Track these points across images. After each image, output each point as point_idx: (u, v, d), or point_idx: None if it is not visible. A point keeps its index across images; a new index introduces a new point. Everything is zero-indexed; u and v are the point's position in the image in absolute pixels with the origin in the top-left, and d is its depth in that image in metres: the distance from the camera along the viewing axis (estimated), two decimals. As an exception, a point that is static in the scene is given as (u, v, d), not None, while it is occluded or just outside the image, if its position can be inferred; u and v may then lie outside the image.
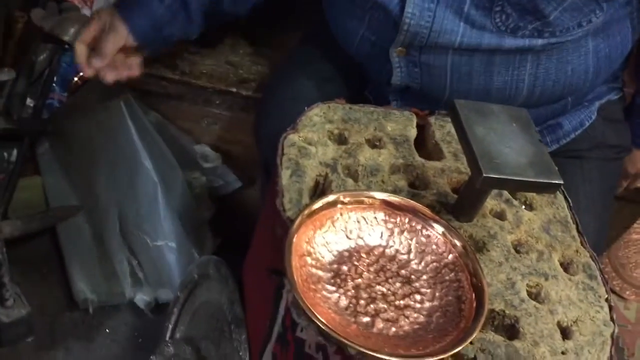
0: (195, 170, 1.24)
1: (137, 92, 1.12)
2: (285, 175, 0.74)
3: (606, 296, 0.74)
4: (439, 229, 0.71)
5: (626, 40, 0.92)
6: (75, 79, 1.38)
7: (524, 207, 0.81)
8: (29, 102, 1.29)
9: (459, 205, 0.75)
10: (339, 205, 0.69)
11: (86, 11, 1.39)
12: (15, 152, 1.21)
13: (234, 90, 1.12)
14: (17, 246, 1.11)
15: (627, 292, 1.59)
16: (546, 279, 0.73)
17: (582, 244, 0.79)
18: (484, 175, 0.64)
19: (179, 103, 1.15)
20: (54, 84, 1.37)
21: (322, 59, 1.04)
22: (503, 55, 0.83)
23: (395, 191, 0.77)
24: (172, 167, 1.13)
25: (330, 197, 0.68)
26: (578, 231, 0.80)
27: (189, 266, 1.08)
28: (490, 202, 0.79)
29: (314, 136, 0.80)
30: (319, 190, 0.77)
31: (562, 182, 0.68)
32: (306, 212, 0.64)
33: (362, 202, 0.70)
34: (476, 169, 0.66)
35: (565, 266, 0.77)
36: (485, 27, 0.80)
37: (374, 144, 0.83)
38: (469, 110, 0.71)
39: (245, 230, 0.93)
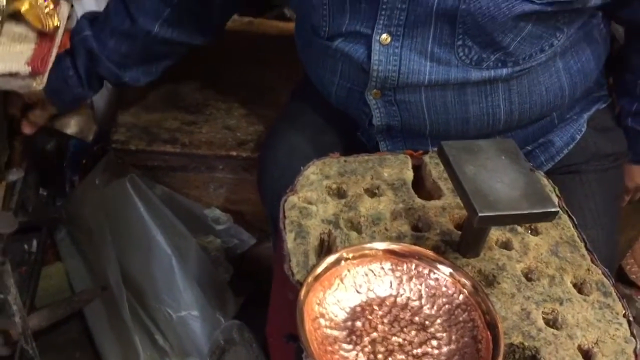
0: (209, 234, 1.27)
1: (141, 169, 1.15)
2: (289, 239, 0.76)
3: (624, 312, 0.74)
4: (445, 270, 0.72)
5: (597, 52, 0.93)
6: (85, 160, 1.42)
7: (529, 232, 0.82)
8: (42, 191, 1.34)
9: (463, 243, 0.76)
10: (344, 262, 0.70)
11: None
12: (35, 242, 1.25)
13: (235, 153, 1.15)
14: (47, 334, 1.13)
15: (658, 289, 1.56)
16: (561, 304, 0.73)
17: (592, 262, 0.79)
18: (480, 215, 0.65)
19: (183, 174, 1.18)
20: (65, 170, 1.42)
21: (313, 111, 1.06)
22: (473, 87, 0.85)
23: (400, 237, 0.79)
24: (184, 236, 1.15)
25: (333, 257, 0.69)
26: (587, 249, 0.81)
27: (214, 332, 1.09)
28: (495, 233, 0.80)
29: (313, 195, 0.82)
30: (325, 248, 0.78)
31: (557, 209, 0.68)
32: (310, 277, 0.66)
33: (366, 255, 0.72)
34: (471, 209, 0.67)
35: (579, 287, 0.77)
36: (451, 62, 0.83)
37: (373, 192, 0.85)
38: (457, 150, 0.72)
39: (265, 284, 0.94)
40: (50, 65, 0.61)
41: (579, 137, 0.98)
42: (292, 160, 0.99)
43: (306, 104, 1.08)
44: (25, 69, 0.61)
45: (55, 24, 0.64)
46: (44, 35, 0.65)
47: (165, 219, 1.14)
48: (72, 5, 0.90)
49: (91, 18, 0.99)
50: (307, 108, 1.07)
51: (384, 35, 0.83)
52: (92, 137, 1.14)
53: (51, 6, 0.63)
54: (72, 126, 1.05)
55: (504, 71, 0.84)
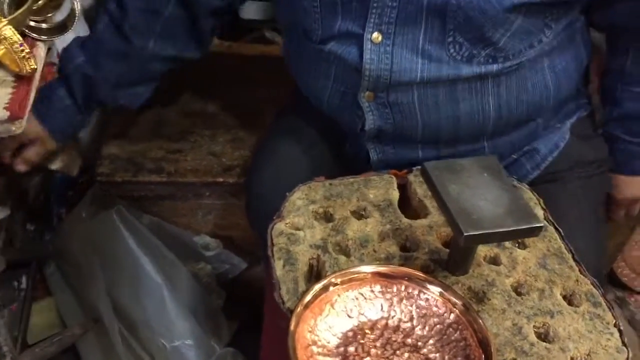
0: (199, 260, 1.26)
1: (128, 200, 1.15)
2: (278, 267, 0.76)
3: (614, 321, 0.74)
4: (435, 290, 0.72)
5: (579, 56, 0.95)
6: (71, 193, 1.42)
7: (517, 246, 0.82)
8: (29, 226, 1.33)
9: (451, 261, 0.77)
10: (332, 288, 0.70)
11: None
12: (24, 278, 1.24)
13: (221, 179, 1.15)
14: (40, 371, 1.12)
15: (651, 290, 1.57)
16: (552, 317, 0.74)
17: (580, 272, 0.80)
18: (465, 234, 0.66)
19: (171, 202, 1.18)
20: (51, 204, 1.41)
21: (298, 131, 1.07)
22: (464, 83, 0.86)
23: (388, 258, 0.79)
24: (174, 265, 1.15)
25: (321, 284, 0.69)
26: (574, 260, 0.81)
27: (209, 360, 1.09)
28: (483, 249, 0.81)
29: (300, 220, 0.82)
30: (314, 273, 0.78)
31: (542, 224, 0.69)
32: (300, 306, 0.66)
33: (354, 279, 0.72)
34: (456, 229, 0.67)
35: (569, 299, 0.77)
36: (442, 59, 0.84)
37: (360, 214, 0.85)
38: (439, 171, 0.73)
39: (259, 308, 0.94)
40: (28, 108, 0.61)
41: (562, 144, 0.99)
42: (279, 182, 0.98)
43: (290, 124, 1.09)
44: (4, 114, 0.60)
45: (32, 67, 0.64)
46: (22, 79, 0.65)
47: (154, 249, 1.13)
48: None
49: (80, 43, 0.99)
50: (292, 128, 1.08)
51: (375, 34, 0.84)
52: (77, 171, 1.13)
53: (27, 49, 0.63)
54: (57, 162, 1.04)
55: (495, 67, 0.85)
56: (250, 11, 1.71)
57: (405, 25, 0.83)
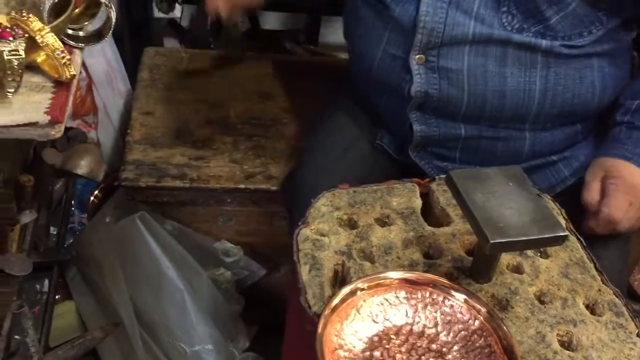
0: (219, 266, 1.28)
1: (151, 205, 1.17)
2: (304, 272, 0.77)
3: (637, 331, 0.75)
4: (460, 297, 0.73)
5: (626, 66, 0.98)
6: (92, 198, 1.44)
7: (539, 255, 0.83)
8: (52, 230, 1.35)
9: (475, 269, 0.78)
10: (359, 293, 0.71)
11: (92, 135, 1.46)
12: (46, 282, 1.26)
13: (242, 186, 1.16)
14: (62, 374, 1.13)
15: (670, 302, 1.57)
16: (575, 325, 0.74)
17: (603, 282, 0.80)
18: (491, 242, 0.67)
19: (193, 208, 1.19)
20: (72, 209, 1.43)
21: (339, 130, 1.10)
22: (514, 51, 0.88)
23: (412, 265, 0.80)
24: (195, 271, 1.16)
25: (348, 288, 0.70)
26: (596, 269, 0.82)
27: (229, 365, 1.10)
28: (506, 258, 0.81)
29: (325, 226, 0.83)
30: (339, 278, 0.79)
31: (566, 233, 0.70)
32: (327, 309, 0.67)
33: (380, 285, 0.73)
34: (482, 236, 0.68)
35: (591, 308, 0.78)
36: (494, 25, 0.87)
37: (384, 221, 0.86)
38: (465, 179, 0.74)
39: (277, 314, 0.95)
40: (67, 113, 0.63)
41: None
42: (321, 181, 1.00)
43: (333, 124, 1.12)
44: (44, 119, 0.62)
45: (71, 73, 0.66)
46: (61, 85, 0.67)
47: (176, 254, 1.15)
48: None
49: None
50: (334, 128, 1.11)
51: None
52: (102, 176, 1.15)
53: (68, 56, 0.65)
54: (82, 167, 1.07)
55: (543, 42, 0.87)
56: (270, 21, 1.74)
57: None
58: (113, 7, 0.72)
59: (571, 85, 0.92)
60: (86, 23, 0.75)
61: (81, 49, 0.74)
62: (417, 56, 0.91)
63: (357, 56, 1.03)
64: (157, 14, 1.43)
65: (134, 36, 1.52)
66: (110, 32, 0.73)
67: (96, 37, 0.75)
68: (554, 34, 0.87)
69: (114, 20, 0.72)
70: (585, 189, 0.95)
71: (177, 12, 1.43)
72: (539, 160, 1.01)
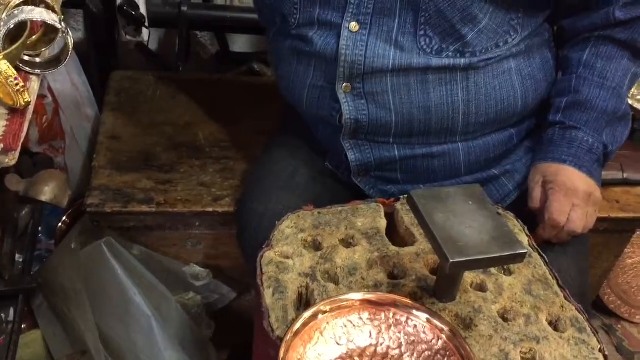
0: (189, 290, 1.26)
1: (117, 231, 1.15)
2: (267, 295, 0.77)
3: (599, 346, 0.75)
4: (423, 316, 0.73)
5: (548, 65, 1.00)
6: (60, 224, 1.42)
7: (502, 273, 0.84)
8: (18, 257, 1.32)
9: (439, 288, 0.78)
10: (322, 316, 0.71)
11: (60, 160, 1.44)
12: (12, 311, 1.23)
13: (211, 209, 1.15)
14: (27, 406, 1.11)
15: (637, 317, 1.59)
16: (538, 342, 0.75)
17: (565, 298, 0.81)
18: (451, 261, 0.67)
19: (160, 232, 1.18)
20: (39, 235, 1.41)
21: (284, 158, 1.10)
22: (434, 74, 0.91)
23: (376, 285, 0.80)
24: (164, 296, 1.15)
25: (310, 312, 0.70)
26: (559, 286, 0.83)
27: (198, 391, 1.08)
28: (470, 276, 0.82)
29: (289, 249, 0.83)
30: (303, 301, 0.79)
31: (526, 251, 0.71)
32: (289, 334, 0.67)
33: (343, 307, 0.73)
34: (442, 256, 0.68)
35: (554, 324, 0.79)
36: (413, 50, 0.90)
37: (348, 242, 0.86)
38: (426, 199, 0.74)
39: (248, 337, 0.94)
40: (22, 140, 0.62)
41: None
42: (269, 209, 1.01)
43: (277, 154, 1.12)
44: (-3, 147, 0.62)
45: (26, 100, 0.66)
46: (15, 112, 0.66)
47: (143, 280, 1.13)
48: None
49: None
50: (279, 156, 1.11)
51: (353, 24, 0.90)
52: (67, 202, 1.14)
53: (22, 83, 0.65)
54: (46, 193, 1.05)
55: (462, 61, 0.90)
56: (239, 43, 1.75)
57: (381, 16, 0.89)
58: (70, 34, 0.72)
59: (492, 93, 0.94)
60: (44, 49, 0.75)
61: (38, 75, 0.73)
62: (344, 85, 0.93)
63: (286, 91, 1.04)
64: (125, 37, 1.42)
65: (101, 60, 1.51)
66: (68, 57, 0.72)
67: (54, 63, 0.74)
68: (472, 50, 0.90)
69: (71, 46, 0.72)
70: (529, 196, 0.96)
71: (145, 35, 1.42)
72: (480, 174, 1.02)
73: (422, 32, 0.89)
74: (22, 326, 1.25)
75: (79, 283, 1.13)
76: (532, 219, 0.95)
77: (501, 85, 0.94)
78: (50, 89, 1.37)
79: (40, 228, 1.40)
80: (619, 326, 1.58)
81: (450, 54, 0.90)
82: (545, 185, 0.94)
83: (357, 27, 0.90)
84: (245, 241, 1.06)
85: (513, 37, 0.92)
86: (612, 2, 0.92)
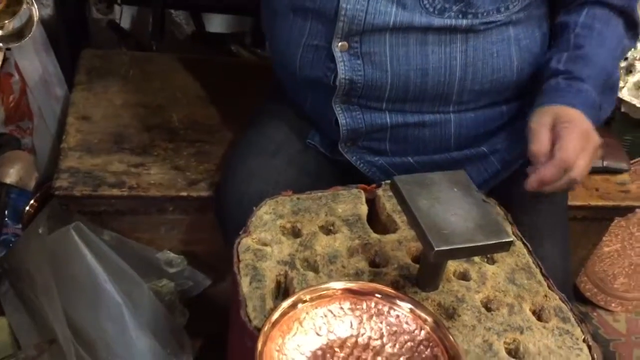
0: (162, 277, 1.22)
1: (87, 215, 1.11)
2: (244, 283, 0.74)
3: (583, 337, 0.74)
4: (405, 306, 0.71)
5: (545, 39, 0.99)
6: (27, 208, 1.37)
7: (486, 261, 0.82)
8: (-17, 243, 1.27)
9: (421, 277, 0.76)
10: (301, 305, 0.68)
11: (27, 141, 1.39)
12: (-24, 297, 1.18)
13: (185, 194, 1.11)
14: (-9, 396, 1.07)
15: (613, 304, 1.60)
16: (521, 333, 0.73)
17: (549, 287, 0.80)
18: (436, 249, 0.65)
19: (132, 217, 1.14)
20: (6, 219, 1.35)
21: (268, 134, 1.07)
22: (434, 34, 0.89)
23: (357, 274, 0.77)
24: (135, 283, 1.11)
25: (289, 301, 0.67)
26: (542, 274, 0.81)
27: (172, 381, 1.05)
28: (453, 264, 0.80)
29: (267, 236, 0.80)
30: (282, 290, 0.76)
31: (512, 239, 0.69)
32: (267, 325, 0.64)
33: (323, 296, 0.70)
34: (427, 244, 0.66)
35: (538, 314, 0.77)
36: (415, 9, 0.87)
37: (328, 229, 0.83)
38: (410, 185, 0.72)
39: (223, 325, 0.91)
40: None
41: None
42: (250, 186, 0.99)
43: (259, 132, 1.09)
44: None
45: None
46: (-24, 87, 0.62)
47: (114, 266, 1.09)
48: (6, 50, 0.87)
49: None
50: (261, 134, 1.08)
51: None
52: (34, 185, 1.09)
53: (-19, 58, 0.61)
54: (11, 175, 1.01)
55: (464, 22, 0.89)
56: (215, 24, 1.70)
57: None
58: (35, 5, 0.67)
59: (489, 60, 0.93)
60: (6, 21, 0.70)
61: (1, 48, 0.69)
62: (340, 44, 0.91)
63: (280, 53, 1.01)
64: (96, 14, 1.37)
65: (70, 37, 1.45)
66: (32, 31, 0.68)
67: (17, 36, 0.70)
68: (474, 12, 0.89)
69: (36, 18, 0.67)
70: (533, 139, 0.85)
71: (117, 13, 1.37)
72: (469, 150, 1.00)
73: None
74: (-12, 313, 1.21)
75: (46, 269, 1.09)
76: (520, 200, 0.93)
77: (499, 53, 0.93)
78: (17, 67, 1.32)
79: (6, 212, 1.35)
80: (595, 314, 1.59)
81: (453, 14, 0.88)
82: (557, 125, 0.84)
83: None
84: (225, 221, 1.03)
85: (514, 4, 0.91)
86: None
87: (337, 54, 0.91)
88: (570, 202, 1.14)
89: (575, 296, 1.59)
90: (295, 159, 1.03)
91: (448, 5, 0.87)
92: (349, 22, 0.88)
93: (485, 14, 0.90)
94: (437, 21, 0.88)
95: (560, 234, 1.01)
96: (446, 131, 0.97)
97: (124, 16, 1.47)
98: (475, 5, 0.88)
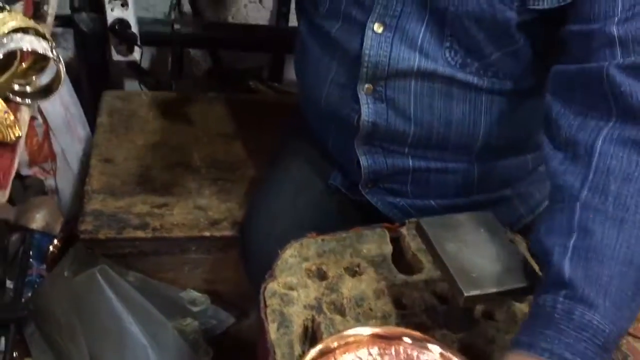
0: (186, 316, 1.22)
1: (112, 257, 1.12)
2: (272, 330, 0.73)
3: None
4: (435, 349, 0.70)
5: None
6: (51, 249, 1.38)
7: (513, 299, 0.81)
8: (9, 284, 1.28)
9: (450, 319, 0.75)
10: (329, 352, 0.68)
11: (50, 182, 1.41)
12: (3, 340, 1.19)
13: (208, 234, 1.12)
14: None
15: None
16: (554, 374, 0.72)
17: (580, 326, 0.78)
18: (466, 295, 0.64)
19: (156, 258, 1.15)
20: (30, 260, 1.37)
21: (290, 176, 1.08)
22: (460, 88, 0.88)
23: (384, 316, 0.77)
24: (160, 323, 1.11)
25: (317, 348, 0.67)
26: (573, 313, 0.80)
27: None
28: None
29: (293, 279, 0.80)
30: (309, 334, 0.76)
31: (541, 281, 0.68)
32: (298, 376, 0.63)
33: (351, 342, 0.70)
34: (456, 289, 0.66)
35: (570, 354, 0.76)
36: (438, 60, 0.86)
37: (354, 271, 0.83)
38: (436, 227, 0.72)
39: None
40: (12, 177, 0.59)
41: None
42: (274, 227, 0.99)
43: (282, 171, 1.09)
44: (-13, 184, 0.59)
45: (16, 135, 0.63)
46: (4, 146, 0.63)
47: (139, 307, 1.09)
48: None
49: None
50: (284, 173, 1.09)
51: (377, 24, 0.86)
52: (59, 229, 1.10)
53: (11, 117, 0.62)
54: (37, 221, 1.02)
55: (486, 80, 0.87)
56: (233, 60, 1.72)
57: (408, 21, 0.85)
58: (62, 62, 0.69)
59: (516, 118, 0.91)
60: (34, 78, 0.71)
61: (28, 105, 0.70)
62: (366, 86, 0.90)
63: (308, 86, 1.02)
64: (116, 56, 1.39)
65: (92, 80, 1.48)
66: (60, 86, 0.69)
67: (45, 92, 0.71)
68: (495, 70, 0.87)
69: (63, 75, 0.69)
70: None
71: (136, 54, 1.39)
72: (493, 194, 0.99)
73: (447, 44, 0.85)
74: (14, 355, 1.21)
75: (72, 312, 1.09)
76: None
77: (526, 112, 0.91)
78: (40, 110, 1.34)
79: (31, 252, 1.37)
80: (624, 341, 1.56)
81: (474, 69, 0.87)
82: None
83: (382, 29, 0.86)
84: (250, 262, 1.04)
85: (534, 69, 0.87)
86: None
87: (362, 96, 0.91)
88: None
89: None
90: (318, 199, 1.03)
91: (469, 61, 0.86)
92: (373, 67, 0.88)
93: (507, 75, 0.87)
94: (460, 75, 0.86)
95: None
96: (469, 178, 0.96)
97: (144, 56, 1.49)
98: (495, 66, 0.86)
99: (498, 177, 0.98)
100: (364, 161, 0.97)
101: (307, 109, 1.07)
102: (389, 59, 0.87)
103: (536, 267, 0.85)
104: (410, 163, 0.95)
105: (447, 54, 0.86)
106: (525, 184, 1.01)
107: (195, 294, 1.22)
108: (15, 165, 0.61)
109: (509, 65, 0.87)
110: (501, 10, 0.80)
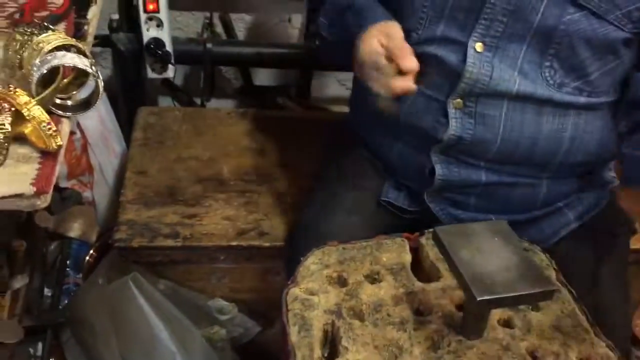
0: (214, 324, 1.26)
1: (143, 265, 1.16)
2: (293, 333, 0.76)
3: (632, 385, 0.73)
4: None
5: None
6: (87, 258, 1.44)
7: (530, 308, 0.83)
8: (47, 292, 1.34)
9: (465, 325, 0.77)
10: None
11: (88, 194, 1.47)
12: (40, 345, 1.24)
13: (235, 243, 1.16)
14: None
15: (671, 349, 1.54)
16: (569, 382, 0.73)
17: (595, 335, 0.79)
18: (478, 299, 0.67)
19: (186, 266, 1.19)
20: (67, 269, 1.43)
21: (339, 194, 1.08)
22: (551, 108, 0.90)
23: (402, 322, 0.79)
24: (189, 331, 1.15)
25: None
26: (589, 322, 0.81)
27: None
28: (497, 312, 0.81)
29: (314, 285, 0.83)
30: (329, 338, 0.79)
31: (555, 288, 0.70)
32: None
33: None
34: (470, 294, 0.68)
35: (585, 362, 0.77)
36: (536, 80, 0.88)
37: (373, 278, 0.86)
38: (451, 236, 0.74)
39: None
40: (53, 183, 0.64)
41: (604, 202, 1.02)
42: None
43: (329, 195, 1.09)
44: (30, 190, 0.63)
45: (58, 144, 0.68)
46: (47, 155, 0.68)
47: (169, 315, 1.14)
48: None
49: None
50: (334, 192, 1.09)
51: (479, 44, 0.88)
52: (95, 237, 1.15)
53: (54, 127, 0.67)
54: (75, 229, 1.07)
55: (581, 99, 0.89)
56: (262, 77, 1.78)
57: (509, 41, 0.87)
58: (101, 77, 0.74)
59: (597, 133, 0.94)
60: (74, 92, 0.77)
61: (69, 118, 0.75)
62: (456, 101, 0.91)
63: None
64: (151, 74, 1.45)
65: (128, 96, 1.55)
66: (98, 101, 0.74)
67: (84, 105, 0.76)
68: (591, 90, 0.89)
69: (101, 90, 0.74)
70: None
71: (170, 72, 1.46)
72: (550, 207, 1.01)
73: (547, 64, 0.87)
74: (51, 359, 1.26)
75: (105, 319, 1.14)
76: (593, 250, 0.95)
77: (606, 126, 0.94)
78: (79, 125, 1.41)
79: (68, 262, 1.43)
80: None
81: (570, 89, 0.89)
82: None
83: (482, 48, 0.88)
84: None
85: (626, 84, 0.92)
86: None
87: (451, 110, 0.92)
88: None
89: (632, 341, 1.55)
90: (368, 222, 1.03)
91: (567, 81, 0.88)
92: (472, 84, 0.89)
93: (602, 93, 0.90)
94: (557, 96, 0.88)
95: (622, 284, 0.99)
96: (537, 194, 0.98)
97: (177, 74, 1.56)
98: (593, 84, 0.89)
99: (562, 194, 0.99)
100: (439, 170, 0.97)
101: (367, 121, 1.06)
102: (490, 78, 0.88)
103: (551, 274, 0.86)
104: (484, 176, 0.96)
105: (547, 73, 0.88)
106: (577, 195, 1.02)
107: (222, 303, 1.26)
108: (56, 173, 0.65)
109: (605, 82, 0.90)
110: (613, 29, 0.83)
